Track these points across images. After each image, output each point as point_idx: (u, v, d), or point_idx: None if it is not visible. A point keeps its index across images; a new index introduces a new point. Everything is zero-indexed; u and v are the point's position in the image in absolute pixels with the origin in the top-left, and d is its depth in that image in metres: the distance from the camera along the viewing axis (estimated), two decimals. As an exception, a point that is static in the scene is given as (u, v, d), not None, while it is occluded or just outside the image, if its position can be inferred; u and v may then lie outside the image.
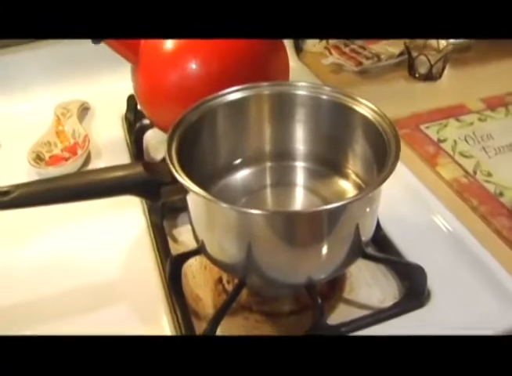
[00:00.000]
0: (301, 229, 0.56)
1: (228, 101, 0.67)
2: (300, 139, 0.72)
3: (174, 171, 0.54)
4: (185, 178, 0.54)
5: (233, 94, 0.67)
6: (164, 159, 0.57)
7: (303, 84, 0.69)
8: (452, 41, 1.11)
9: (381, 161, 0.58)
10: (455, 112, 0.96)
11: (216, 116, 0.67)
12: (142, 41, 0.78)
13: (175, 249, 0.72)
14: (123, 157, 0.88)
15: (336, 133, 0.69)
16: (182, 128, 0.60)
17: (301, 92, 0.69)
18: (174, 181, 0.55)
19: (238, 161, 0.72)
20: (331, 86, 0.69)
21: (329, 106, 0.67)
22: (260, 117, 0.70)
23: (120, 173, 0.58)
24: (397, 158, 0.57)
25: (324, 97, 0.67)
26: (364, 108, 0.64)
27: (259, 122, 0.71)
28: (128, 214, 0.76)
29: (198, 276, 0.69)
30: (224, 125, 0.68)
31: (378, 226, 0.70)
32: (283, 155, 0.73)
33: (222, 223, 0.57)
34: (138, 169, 0.57)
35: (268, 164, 0.73)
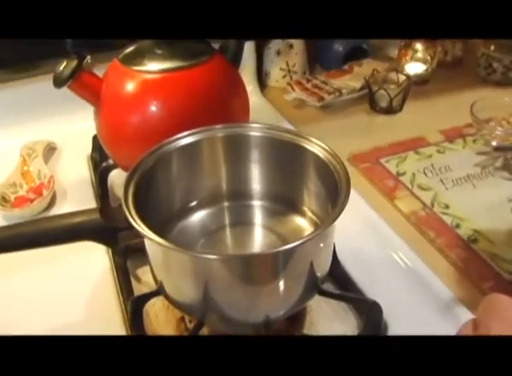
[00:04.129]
0: (256, 271, 0.58)
1: (182, 145, 0.68)
2: (255, 178, 0.74)
3: (129, 217, 0.56)
4: (141, 225, 0.55)
5: (187, 138, 0.69)
6: (121, 204, 0.58)
7: (256, 125, 0.71)
8: (411, 74, 1.15)
9: (334, 199, 0.60)
10: (414, 145, 0.99)
11: (171, 160, 0.68)
12: (104, 84, 0.80)
13: (138, 289, 0.72)
14: (88, 197, 0.89)
15: (290, 172, 0.71)
16: (139, 173, 0.62)
17: (254, 133, 0.71)
18: (131, 227, 0.56)
19: (194, 203, 0.73)
20: (283, 127, 0.71)
21: (282, 146, 0.69)
22: (214, 159, 0.72)
23: (76, 219, 0.59)
24: (347, 197, 0.58)
25: (277, 137, 0.70)
26: (316, 147, 0.66)
27: (214, 164, 0.72)
28: (92, 254, 0.76)
29: (161, 316, 0.70)
30: (178, 169, 0.70)
31: (337, 261, 0.72)
32: (239, 195, 0.75)
33: (179, 267, 0.58)
34: (95, 215, 0.59)
35: (225, 204, 0.75)
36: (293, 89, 1.13)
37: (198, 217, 0.73)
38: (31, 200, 0.88)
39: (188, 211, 0.73)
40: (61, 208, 0.87)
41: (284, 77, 1.18)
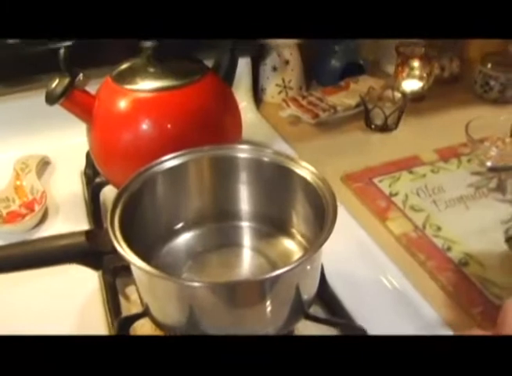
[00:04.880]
0: (241, 297, 0.58)
1: (168, 167, 0.69)
2: (243, 199, 0.74)
3: (115, 242, 0.56)
4: (126, 250, 0.55)
5: (174, 160, 0.69)
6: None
7: (244, 146, 0.71)
8: (407, 91, 1.15)
9: (321, 223, 0.60)
10: (408, 164, 0.98)
11: (157, 183, 0.69)
12: (96, 102, 0.80)
13: (127, 308, 0.72)
14: (80, 213, 0.89)
15: (278, 194, 0.71)
16: (125, 197, 0.62)
17: (241, 155, 0.71)
18: (116, 251, 0.56)
19: (180, 225, 0.73)
20: (271, 148, 0.71)
21: (270, 168, 0.70)
22: (201, 181, 0.72)
23: (62, 242, 0.59)
24: (333, 223, 0.59)
25: (265, 159, 0.70)
26: (304, 170, 0.67)
27: (201, 186, 0.73)
28: (81, 273, 0.75)
29: (149, 336, 0.70)
30: (164, 191, 0.70)
31: (325, 284, 0.72)
32: (227, 216, 0.75)
33: (164, 292, 0.58)
34: (80, 239, 0.59)
35: (212, 225, 0.75)
36: (288, 106, 1.12)
37: (185, 239, 0.73)
38: (23, 216, 0.88)
39: (175, 232, 0.73)
40: (53, 224, 0.87)
41: (280, 93, 1.18)
